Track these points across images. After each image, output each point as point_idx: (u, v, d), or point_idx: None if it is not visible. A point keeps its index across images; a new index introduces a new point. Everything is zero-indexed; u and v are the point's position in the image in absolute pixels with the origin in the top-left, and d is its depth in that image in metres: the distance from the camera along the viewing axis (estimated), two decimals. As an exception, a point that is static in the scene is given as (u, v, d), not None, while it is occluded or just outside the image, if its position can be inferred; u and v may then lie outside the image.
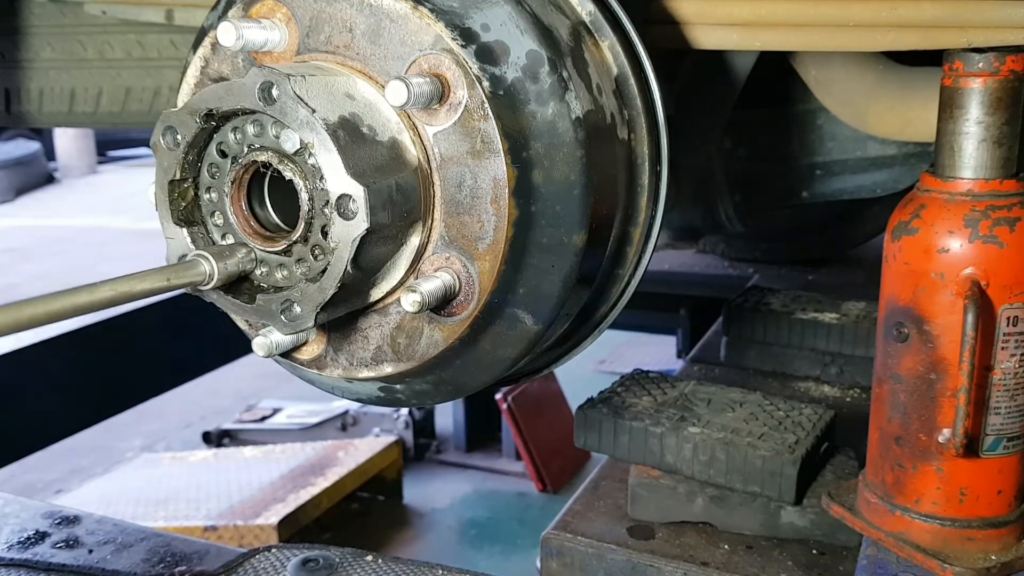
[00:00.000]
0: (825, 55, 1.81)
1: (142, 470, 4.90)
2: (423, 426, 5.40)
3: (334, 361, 1.12)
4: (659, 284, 3.71)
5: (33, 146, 13.84)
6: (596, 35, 1.12)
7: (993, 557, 1.32)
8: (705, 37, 1.34)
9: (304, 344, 1.12)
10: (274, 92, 0.92)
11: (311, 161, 0.93)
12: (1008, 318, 1.25)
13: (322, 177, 0.93)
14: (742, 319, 2.36)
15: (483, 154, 0.97)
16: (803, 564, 1.52)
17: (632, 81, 1.12)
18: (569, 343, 1.26)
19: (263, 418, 5.52)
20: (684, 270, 3.75)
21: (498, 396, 4.90)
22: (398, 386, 1.14)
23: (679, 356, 4.35)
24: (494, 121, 0.96)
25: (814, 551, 1.56)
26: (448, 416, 5.45)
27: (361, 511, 4.79)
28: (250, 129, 0.98)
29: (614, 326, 1.27)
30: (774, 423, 1.65)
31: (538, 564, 1.64)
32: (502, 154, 0.96)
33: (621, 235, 1.14)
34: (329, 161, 0.92)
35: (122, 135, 15.27)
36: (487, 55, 0.97)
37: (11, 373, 2.90)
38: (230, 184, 1.01)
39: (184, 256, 1.04)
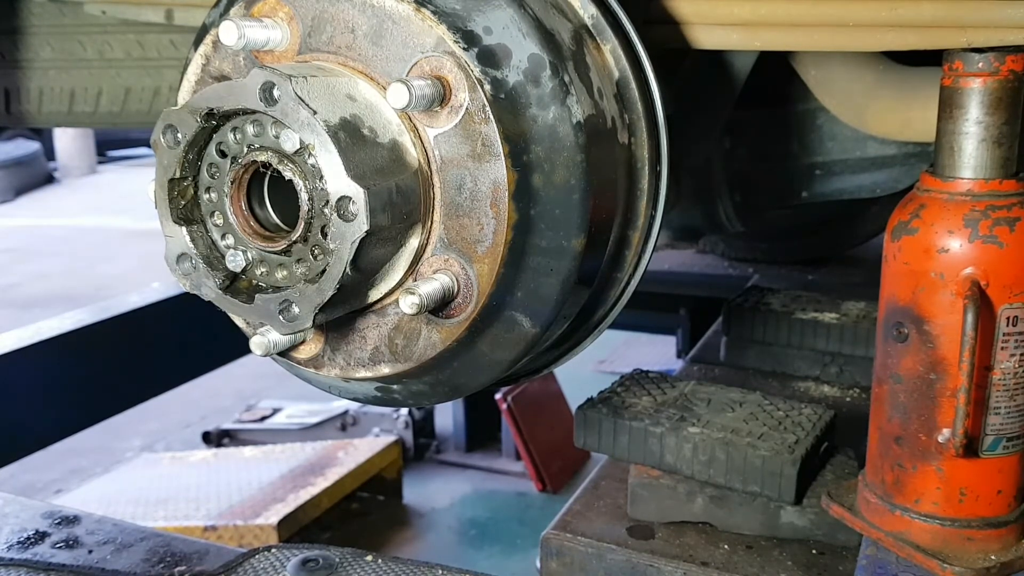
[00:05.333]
0: (825, 55, 1.81)
1: (142, 470, 4.89)
2: (423, 426, 5.40)
3: (331, 361, 1.12)
4: (659, 284, 3.71)
5: (33, 146, 13.84)
6: (598, 38, 1.12)
7: (993, 557, 1.32)
8: (705, 37, 1.34)
9: (302, 343, 1.12)
10: (275, 93, 0.92)
11: (311, 162, 0.93)
12: (1008, 318, 1.25)
13: (322, 177, 0.93)
14: (742, 319, 2.36)
15: (483, 157, 0.97)
16: (803, 564, 1.52)
17: (633, 85, 1.13)
18: (567, 344, 1.26)
19: (263, 418, 5.52)
20: (684, 270, 3.75)
21: (498, 396, 4.90)
22: (395, 386, 1.14)
23: (679, 356, 4.36)
24: (495, 124, 0.96)
25: (814, 551, 1.56)
26: (448, 416, 5.44)
27: (361, 511, 4.79)
28: (250, 129, 0.98)
29: (614, 326, 1.27)
30: (774, 423, 1.65)
31: (538, 564, 1.64)
32: (503, 157, 0.96)
33: (620, 238, 1.14)
34: (329, 162, 0.92)
35: (122, 135, 15.27)
36: (489, 58, 0.97)
37: (11, 373, 2.90)
38: (230, 184, 1.01)
39: (183, 254, 1.04)
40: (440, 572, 1.51)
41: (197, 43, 1.11)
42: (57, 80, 2.02)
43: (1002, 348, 1.26)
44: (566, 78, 0.98)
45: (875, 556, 1.38)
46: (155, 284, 3.59)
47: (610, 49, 1.12)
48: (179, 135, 1.00)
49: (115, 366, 3.27)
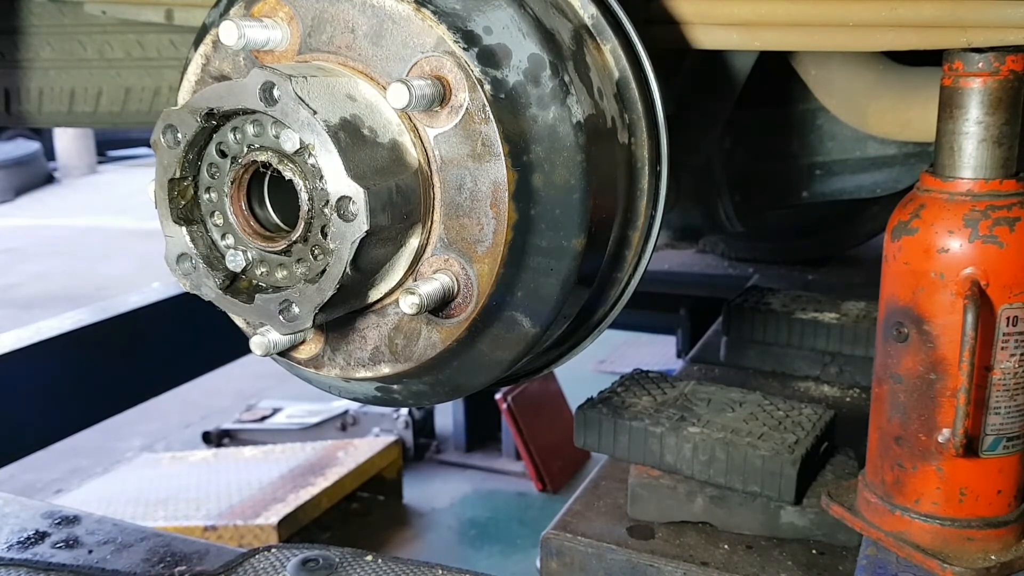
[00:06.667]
0: (825, 55, 1.81)
1: (142, 470, 4.89)
2: (423, 426, 5.40)
3: (331, 361, 1.12)
4: (659, 284, 3.71)
5: (33, 146, 13.84)
6: (598, 38, 1.12)
7: (993, 557, 1.32)
8: (705, 37, 1.34)
9: (302, 343, 1.12)
10: (275, 93, 0.92)
11: (311, 161, 0.93)
12: (1008, 318, 1.25)
13: (322, 177, 0.93)
14: (742, 319, 2.36)
15: (484, 157, 0.97)
16: (803, 564, 1.52)
17: (633, 85, 1.13)
18: (568, 344, 1.26)
19: (263, 418, 5.52)
20: (684, 270, 3.75)
21: (498, 396, 4.90)
22: (395, 386, 1.14)
23: (679, 356, 4.35)
24: (495, 124, 0.96)
25: (814, 551, 1.56)
26: (448, 416, 5.44)
27: (361, 511, 4.79)
28: (250, 129, 0.98)
29: (614, 326, 1.27)
30: (774, 423, 1.65)
31: (538, 564, 1.64)
32: (502, 157, 0.96)
33: (620, 238, 1.14)
34: (329, 162, 0.92)
35: (122, 135, 15.27)
36: (489, 58, 0.97)
37: (11, 373, 2.90)
38: (230, 184, 1.01)
39: (183, 254, 1.04)
40: (440, 572, 1.51)
41: (197, 43, 1.11)
42: (57, 80, 2.02)
43: (1002, 348, 1.26)
44: (566, 78, 0.98)
45: (875, 556, 1.38)
46: (155, 284, 3.59)
47: (610, 49, 1.12)
48: (179, 135, 1.00)
49: (115, 366, 3.27)
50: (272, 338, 1.03)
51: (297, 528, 4.16)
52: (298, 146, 0.93)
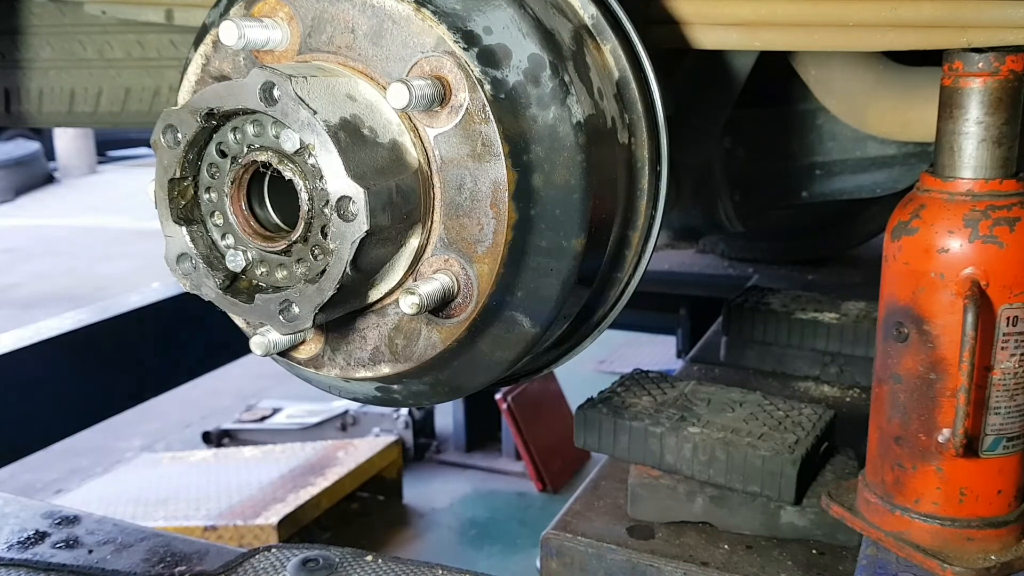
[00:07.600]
0: (825, 55, 1.81)
1: (142, 470, 4.89)
2: (423, 426, 5.40)
3: (331, 361, 1.12)
4: (659, 284, 3.71)
5: (33, 146, 13.85)
6: (598, 38, 1.12)
7: (993, 557, 1.32)
8: (705, 37, 1.34)
9: (302, 343, 1.12)
10: (275, 93, 0.92)
11: (311, 161, 0.94)
12: (1008, 318, 1.25)
13: (322, 177, 0.93)
14: (742, 319, 2.36)
15: (484, 157, 0.97)
16: (803, 564, 1.52)
17: (633, 85, 1.13)
18: (568, 344, 1.26)
19: (263, 418, 5.52)
20: (684, 270, 3.75)
21: (498, 396, 4.90)
22: (395, 386, 1.14)
23: (679, 356, 4.35)
24: (495, 124, 0.96)
25: (814, 551, 1.56)
26: (448, 416, 5.45)
27: (361, 511, 4.79)
28: (250, 129, 0.98)
29: (614, 326, 1.27)
30: (774, 423, 1.65)
31: (538, 564, 1.64)
32: (503, 157, 0.96)
33: (620, 238, 1.14)
34: (329, 162, 0.92)
35: (122, 135, 15.29)
36: (489, 58, 0.97)
37: (11, 373, 2.90)
38: (230, 184, 1.01)
39: (183, 254, 1.04)
40: (440, 572, 1.51)
41: (197, 43, 1.11)
42: (57, 80, 2.02)
43: (1002, 348, 1.26)
44: (566, 78, 0.99)
45: (875, 556, 1.38)
46: (155, 284, 3.59)
47: (610, 49, 1.12)
48: (179, 135, 1.00)
49: (115, 366, 3.27)
50: (272, 338, 1.03)
51: (297, 528, 4.16)
52: (298, 146, 0.93)
